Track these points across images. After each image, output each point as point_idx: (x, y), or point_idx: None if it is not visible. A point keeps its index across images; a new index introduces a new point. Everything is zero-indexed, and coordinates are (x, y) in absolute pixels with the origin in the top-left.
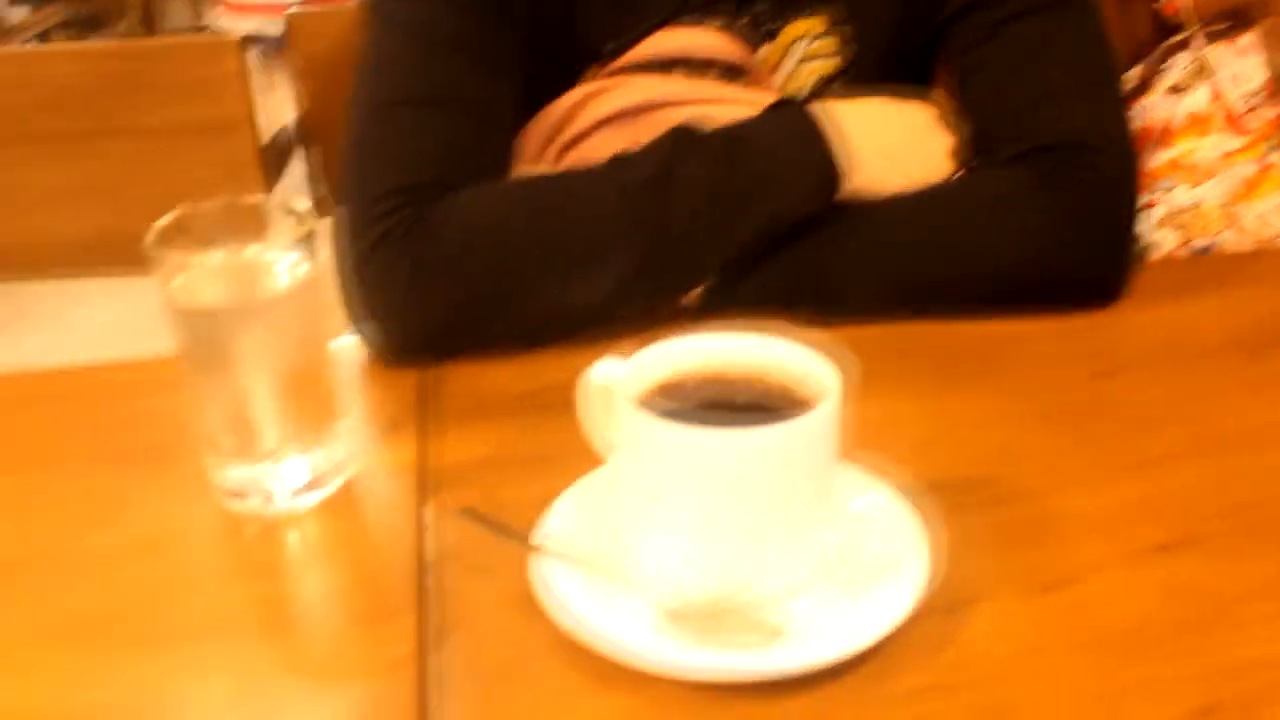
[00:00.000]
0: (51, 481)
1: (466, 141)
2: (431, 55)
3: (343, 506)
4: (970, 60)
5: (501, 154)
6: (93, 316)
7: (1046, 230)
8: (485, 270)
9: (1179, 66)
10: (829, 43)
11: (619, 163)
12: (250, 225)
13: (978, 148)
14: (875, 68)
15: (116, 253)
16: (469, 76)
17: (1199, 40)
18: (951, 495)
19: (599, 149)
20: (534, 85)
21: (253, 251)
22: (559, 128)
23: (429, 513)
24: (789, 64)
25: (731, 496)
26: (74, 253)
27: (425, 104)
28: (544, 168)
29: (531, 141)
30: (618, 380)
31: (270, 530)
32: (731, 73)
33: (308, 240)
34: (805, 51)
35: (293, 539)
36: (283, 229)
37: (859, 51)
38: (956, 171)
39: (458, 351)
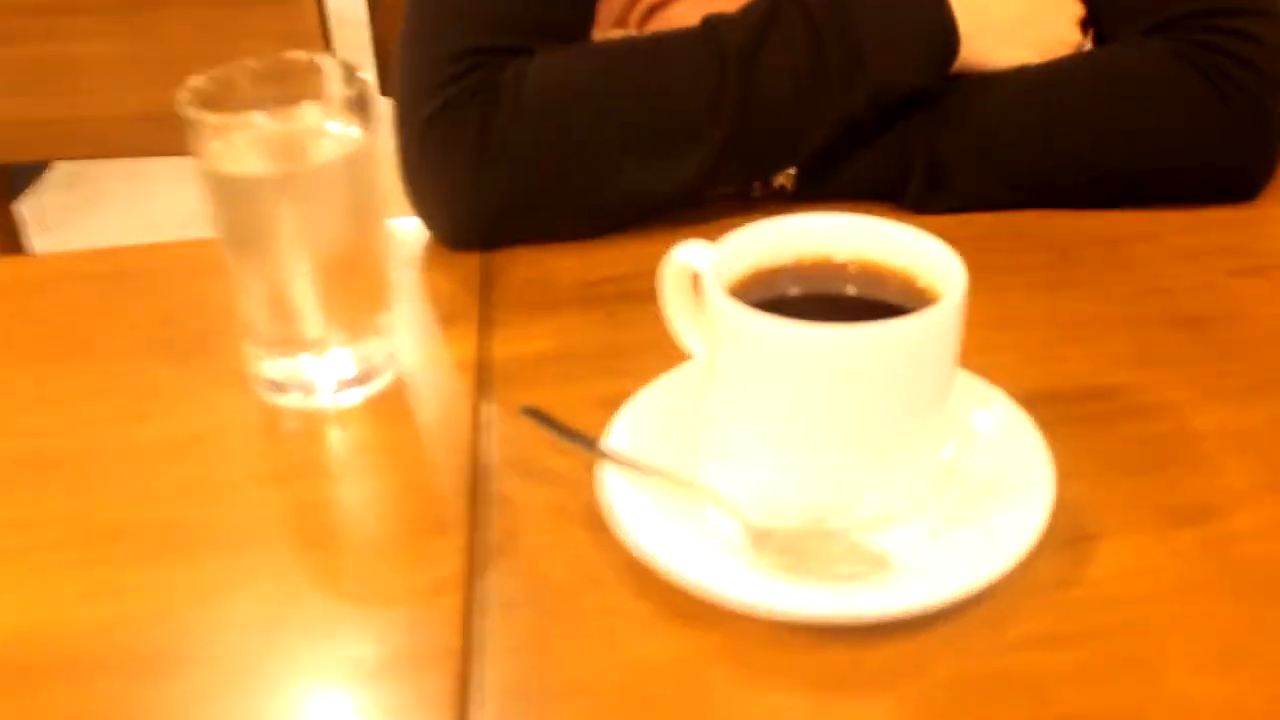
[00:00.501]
0: (87, 372)
1: (540, 1)
2: None
3: (392, 404)
4: None
5: (580, 17)
6: (170, 198)
7: (1188, 113)
8: (560, 143)
9: None
10: None
11: (710, 25)
12: (298, 86)
13: (1109, 17)
14: None
15: (178, 131)
16: None
17: None
18: (1074, 406)
19: (687, 16)
20: None
21: (299, 115)
22: None
23: (487, 413)
24: None
25: (837, 402)
26: (139, 130)
27: None
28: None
29: (611, 5)
30: (707, 265)
31: (312, 428)
32: None
33: (361, 103)
34: None
35: (336, 439)
36: (334, 90)
37: None
38: (1084, 44)
39: (525, 236)
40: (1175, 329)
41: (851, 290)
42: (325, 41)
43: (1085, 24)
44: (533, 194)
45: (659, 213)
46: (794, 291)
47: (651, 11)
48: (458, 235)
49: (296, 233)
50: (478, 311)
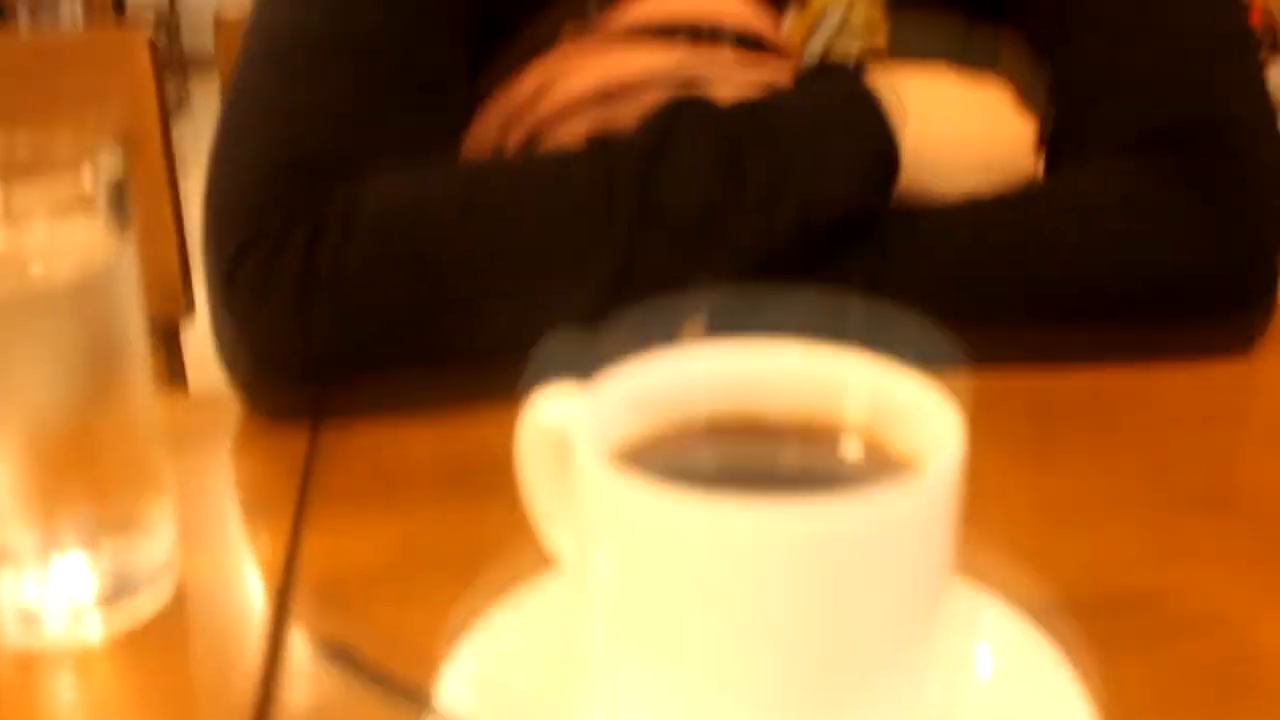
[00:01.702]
0: None
1: (389, 102)
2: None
3: (155, 635)
4: (1059, 22)
5: (438, 128)
6: None
7: (1186, 238)
8: (406, 282)
9: (1273, 71)
10: (872, 9)
11: (599, 141)
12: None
13: (1070, 131)
14: (925, 48)
15: None
16: (402, 20)
17: None
18: (1096, 620)
19: (575, 136)
20: (495, 52)
21: (23, 212)
22: (525, 107)
23: (286, 649)
24: (821, 35)
25: (771, 624)
26: None
27: (333, 48)
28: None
29: (489, 126)
30: (578, 420)
31: (36, 672)
32: (749, 45)
33: (118, 200)
34: (842, 20)
35: (68, 688)
36: (81, 178)
37: (899, 26)
38: (1038, 168)
39: (363, 400)
40: (1195, 509)
41: (790, 454)
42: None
43: (1039, 139)
44: (372, 345)
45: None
46: (706, 457)
47: (533, 134)
48: (274, 398)
49: (14, 386)
50: (294, 502)
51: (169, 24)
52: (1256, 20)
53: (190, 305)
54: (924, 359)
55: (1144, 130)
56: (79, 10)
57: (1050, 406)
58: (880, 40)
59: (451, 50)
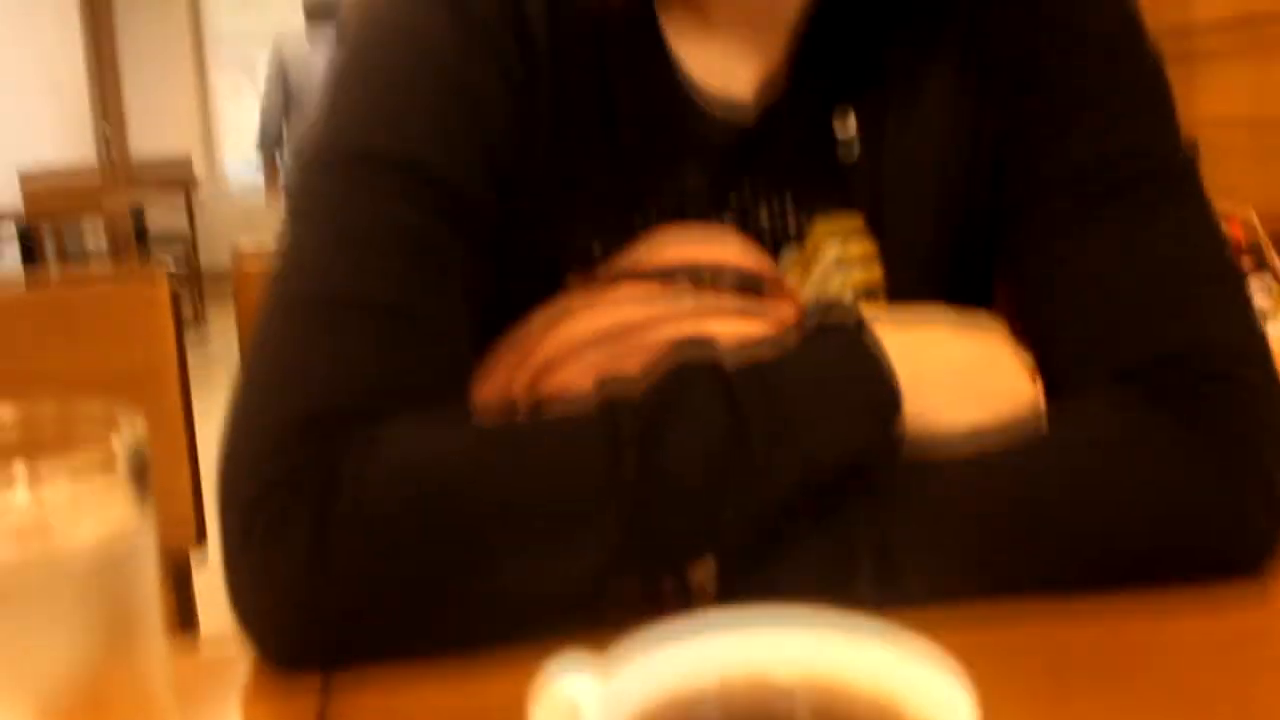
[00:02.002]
0: None
1: (404, 358)
2: (363, 248)
3: None
4: (1046, 256)
5: (451, 379)
6: None
7: (1186, 479)
8: (417, 538)
9: (1255, 290)
10: (869, 245)
11: (606, 403)
12: (51, 441)
13: (1061, 371)
14: (916, 279)
15: None
16: (413, 276)
17: (1273, 261)
18: None
19: (581, 378)
20: (501, 296)
21: (42, 480)
22: (531, 350)
23: None
24: (819, 271)
25: None
26: None
27: (344, 307)
28: (511, 399)
29: (494, 369)
30: (592, 697)
31: None
32: (748, 283)
33: (139, 469)
34: (840, 255)
35: None
36: (97, 450)
37: (892, 261)
38: (1038, 397)
39: (375, 653)
40: None
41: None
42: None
43: (1033, 379)
44: (383, 600)
45: (546, 626)
46: None
47: (539, 376)
48: (288, 651)
49: (21, 654)
50: None
51: (188, 245)
52: (1238, 233)
53: (202, 535)
54: (934, 617)
55: (1135, 363)
56: (103, 238)
57: (1065, 645)
58: (876, 273)
59: (465, 304)
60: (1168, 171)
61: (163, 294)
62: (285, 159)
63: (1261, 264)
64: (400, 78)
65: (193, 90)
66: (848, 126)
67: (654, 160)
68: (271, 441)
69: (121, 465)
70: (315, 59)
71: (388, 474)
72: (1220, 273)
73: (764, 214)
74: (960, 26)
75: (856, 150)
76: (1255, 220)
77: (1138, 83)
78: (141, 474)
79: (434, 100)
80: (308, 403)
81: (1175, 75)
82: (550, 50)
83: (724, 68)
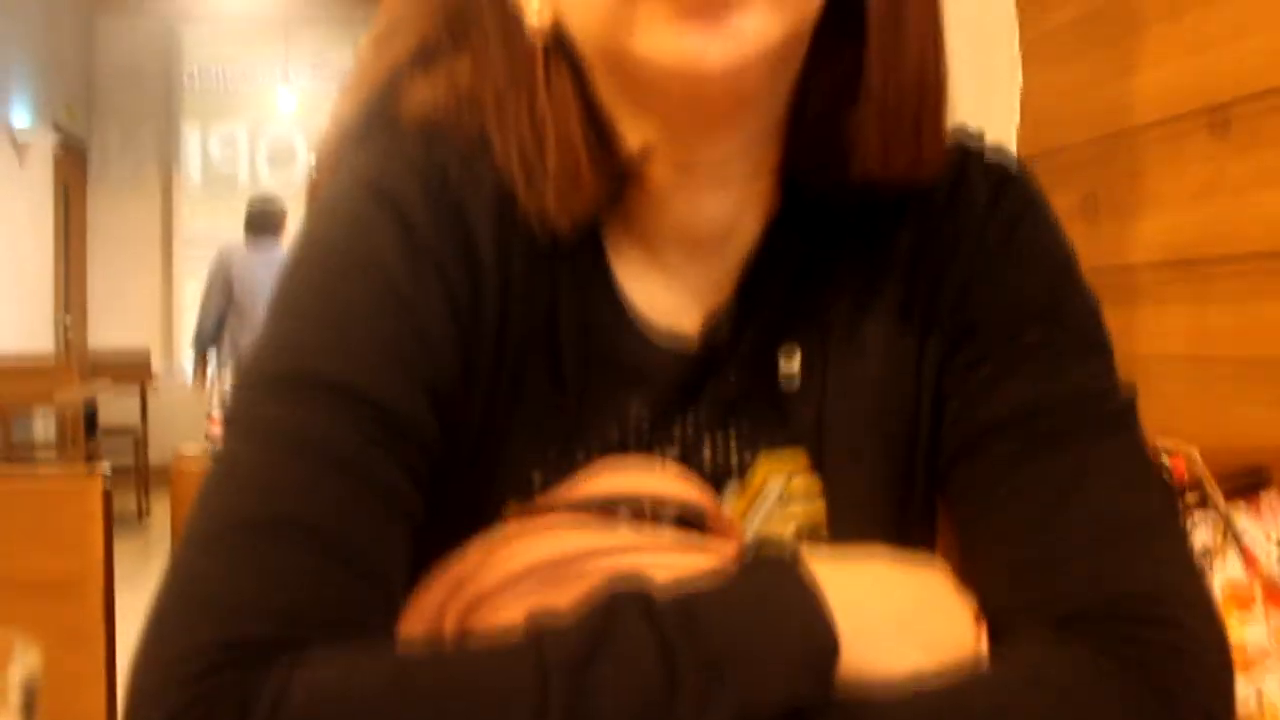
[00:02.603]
0: None
1: (328, 586)
2: (297, 470)
3: None
4: (988, 500)
5: (380, 609)
6: None
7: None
8: None
9: (1200, 529)
10: (812, 481)
11: (534, 632)
12: None
13: (1004, 614)
14: (860, 517)
15: None
16: (346, 501)
17: (1217, 499)
18: None
19: (513, 612)
20: (436, 522)
21: None
22: (463, 582)
23: None
24: (762, 507)
25: None
26: None
27: (273, 530)
28: (441, 631)
29: (426, 600)
30: None
31: None
32: (690, 517)
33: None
34: (783, 491)
35: None
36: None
37: (835, 498)
38: (980, 644)
39: None
40: None
41: None
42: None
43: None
44: None
45: None
46: None
47: (470, 610)
48: None
49: None
50: None
51: (138, 438)
52: (1181, 471)
53: None
54: None
55: (1077, 608)
56: (52, 429)
57: None
58: (819, 510)
59: (399, 531)
60: (1107, 416)
61: (97, 498)
62: (218, 360)
63: (1204, 501)
64: (345, 300)
65: (157, 286)
66: (792, 363)
67: (597, 391)
68: (181, 668)
69: (14, 697)
70: (256, 266)
71: (305, 705)
72: (1160, 518)
73: (707, 448)
74: (904, 266)
75: (799, 386)
76: (1198, 457)
77: (1077, 327)
78: (30, 706)
79: (378, 324)
80: (223, 628)
81: (1115, 314)
82: (497, 278)
83: (669, 301)
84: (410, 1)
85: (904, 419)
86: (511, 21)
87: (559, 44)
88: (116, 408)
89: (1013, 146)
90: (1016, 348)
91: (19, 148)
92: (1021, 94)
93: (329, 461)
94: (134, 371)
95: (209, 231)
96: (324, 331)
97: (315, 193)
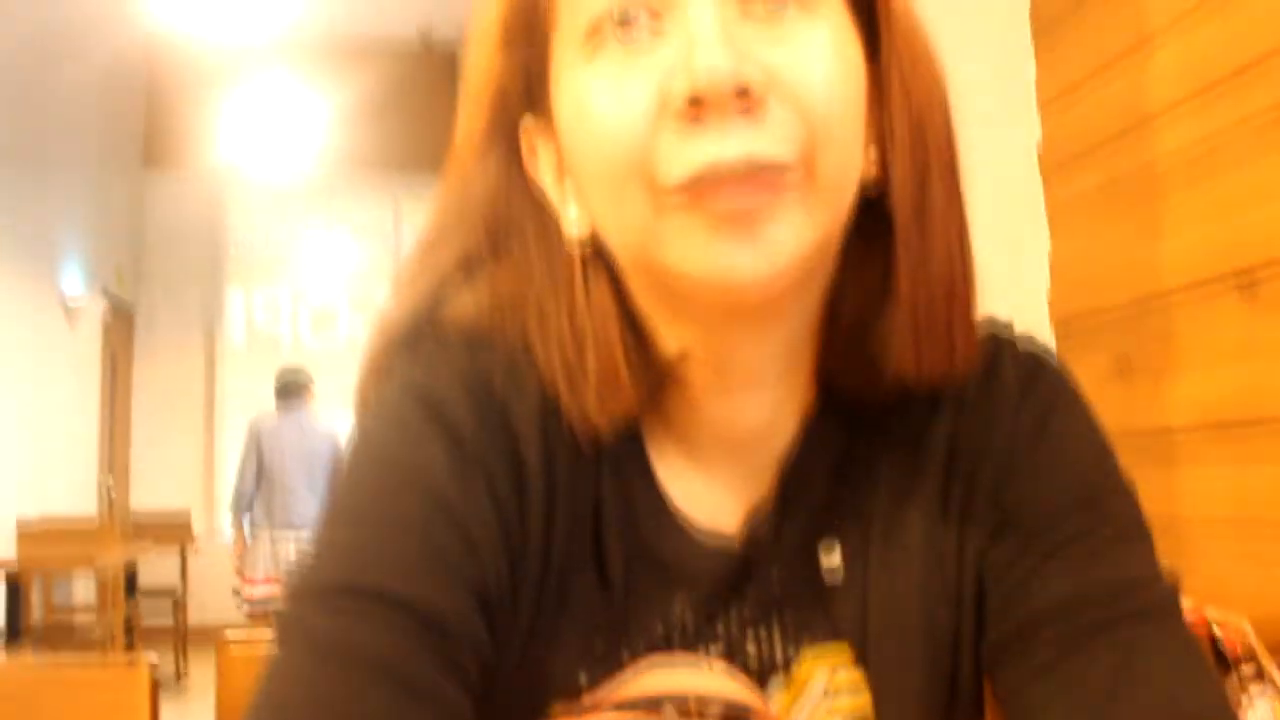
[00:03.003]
0: None
1: None
2: (345, 680)
3: None
4: (1035, 694)
5: None
6: None
7: None
8: None
9: (1259, 704)
10: (856, 673)
11: None
12: None
13: None
14: (905, 709)
15: None
16: (394, 711)
17: (1273, 672)
18: None
19: None
20: None
21: None
22: None
23: None
24: (808, 703)
25: None
26: None
27: None
28: None
29: None
30: None
31: None
32: (735, 714)
33: None
34: (828, 685)
35: None
36: None
37: (880, 690)
38: None
39: None
40: None
41: None
42: None
43: None
44: None
45: None
46: None
47: None
48: None
49: None
50: None
51: (178, 599)
52: (1234, 643)
53: None
54: None
55: None
56: (92, 590)
57: None
58: (865, 702)
59: None
60: (1150, 605)
61: (144, 690)
62: (252, 522)
63: (1260, 674)
64: (395, 512)
65: (199, 447)
66: (833, 557)
67: (642, 589)
68: None
69: None
70: (283, 431)
71: None
72: (1213, 708)
73: (751, 644)
74: (940, 459)
75: (842, 581)
76: (1249, 629)
77: (1114, 516)
78: None
79: (428, 535)
80: None
81: (1155, 476)
82: (543, 481)
83: (711, 499)
84: (454, 214)
85: (947, 611)
86: (550, 232)
87: (596, 252)
88: (157, 568)
89: (1044, 309)
90: (1055, 540)
91: (69, 313)
92: (1050, 257)
93: (378, 673)
94: (175, 533)
95: (251, 393)
96: (374, 543)
97: (365, 399)
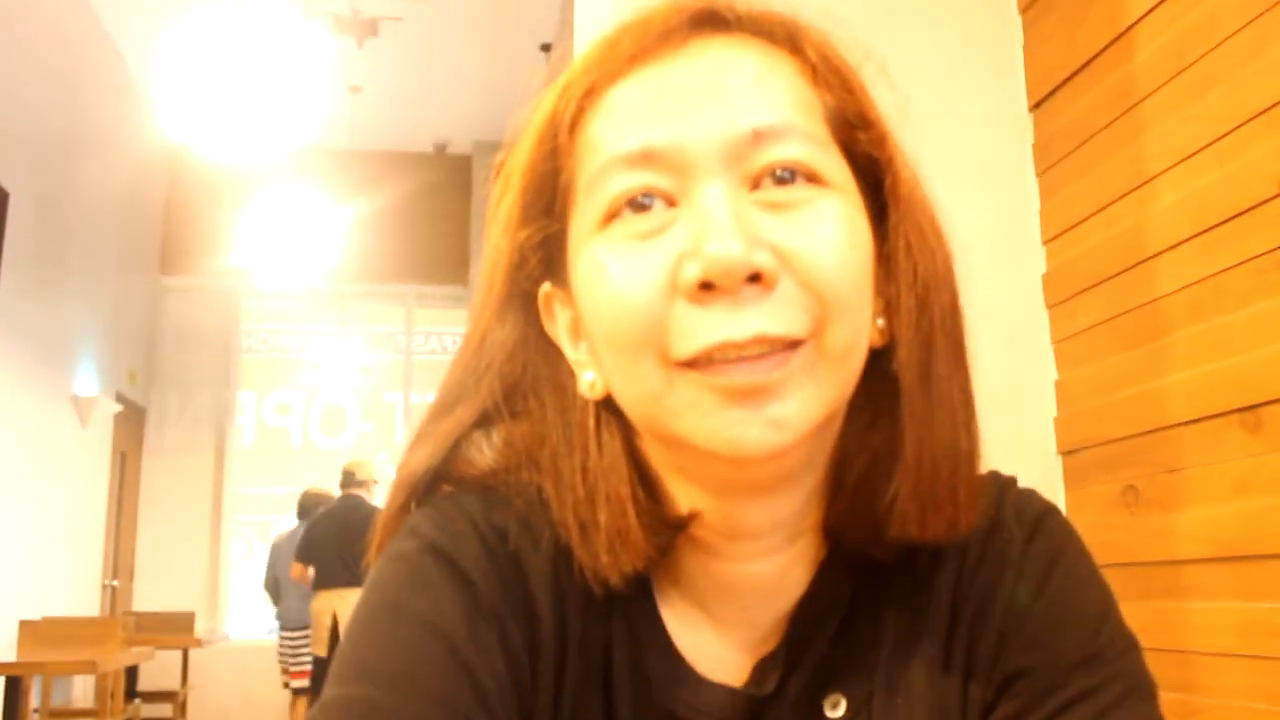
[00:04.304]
0: None
1: None
2: None
3: None
4: None
5: None
6: None
7: None
8: None
9: None
10: None
11: None
12: None
13: None
14: None
15: None
16: None
17: None
18: None
19: None
20: None
21: None
22: None
23: None
24: None
25: None
26: None
27: None
28: None
29: None
30: None
31: None
32: None
33: None
34: None
35: None
36: None
37: None
38: None
39: None
40: None
41: None
42: None
43: None
44: None
45: None
46: None
47: None
48: None
49: None
50: None
51: (177, 705)
52: None
53: None
54: None
55: None
56: (91, 692)
57: None
58: None
59: None
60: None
61: None
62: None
63: None
64: (407, 661)
65: (205, 547)
66: (837, 710)
67: None
68: None
69: None
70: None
71: None
72: None
73: None
74: (944, 611)
75: None
76: None
77: (1117, 674)
78: None
79: (438, 685)
80: None
81: (1162, 608)
82: (554, 630)
83: (718, 650)
84: (472, 370)
85: None
86: (566, 391)
87: (611, 412)
88: (159, 667)
89: (1052, 440)
90: (1061, 701)
91: (81, 412)
92: (1057, 388)
93: None
94: (178, 635)
95: (259, 494)
96: (383, 696)
97: (382, 547)
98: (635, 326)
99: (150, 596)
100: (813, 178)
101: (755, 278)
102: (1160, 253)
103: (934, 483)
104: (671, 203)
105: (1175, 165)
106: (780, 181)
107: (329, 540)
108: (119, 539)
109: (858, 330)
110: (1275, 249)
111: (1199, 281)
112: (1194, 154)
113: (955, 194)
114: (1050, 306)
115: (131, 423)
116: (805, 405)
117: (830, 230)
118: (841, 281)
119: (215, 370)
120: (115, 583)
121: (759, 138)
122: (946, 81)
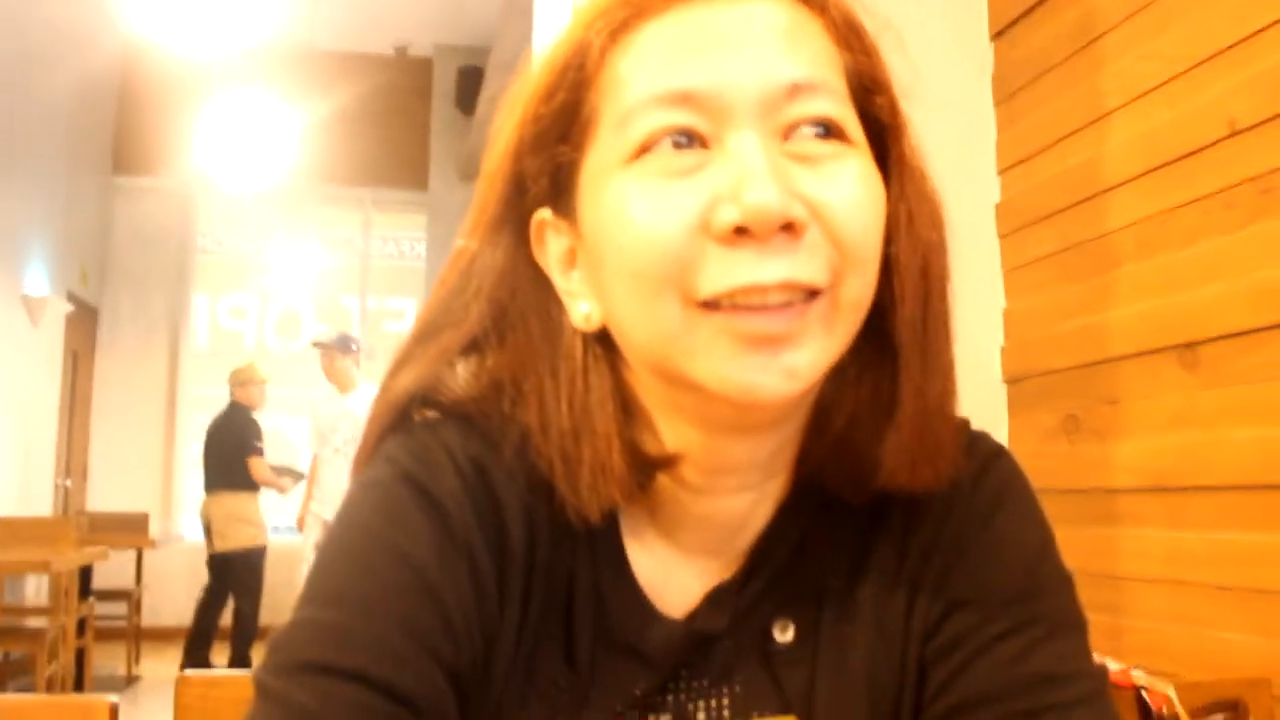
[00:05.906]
0: None
1: None
2: None
3: None
4: None
5: None
6: None
7: None
8: None
9: None
10: None
11: None
12: None
13: None
14: None
15: None
16: None
17: None
18: None
19: None
20: None
21: None
22: None
23: None
24: None
25: None
26: None
27: None
28: None
29: None
30: None
31: None
32: None
33: None
34: None
35: None
36: None
37: None
38: None
39: None
40: None
41: None
42: None
43: None
44: None
45: None
46: None
47: None
48: None
49: None
50: None
51: (132, 602)
52: (1159, 705)
53: None
54: None
55: None
56: (44, 586)
57: None
58: None
59: None
60: (1080, 696)
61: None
62: None
63: None
64: (374, 589)
65: (159, 449)
66: (786, 634)
67: (605, 669)
68: None
69: None
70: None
71: None
72: None
73: (701, 714)
74: (895, 542)
75: (793, 656)
76: (1174, 696)
77: (1050, 611)
78: None
79: (405, 612)
80: None
81: (1096, 534)
82: (524, 561)
83: (678, 579)
84: (459, 292)
85: (891, 684)
86: (555, 323)
87: (601, 344)
88: (114, 567)
89: (997, 367)
90: (993, 633)
91: (33, 315)
92: (1005, 317)
93: None
94: (132, 535)
95: (213, 396)
96: (351, 621)
97: (359, 469)
98: (661, 262)
99: (104, 497)
100: (841, 135)
101: (787, 227)
102: (1112, 188)
103: (925, 436)
104: (705, 145)
105: (1131, 102)
106: (812, 136)
107: (211, 447)
108: (71, 440)
109: (868, 284)
110: (1223, 190)
111: (1148, 218)
112: (1149, 91)
113: (912, 118)
114: (1002, 236)
115: (84, 323)
116: (817, 355)
117: (856, 187)
118: (863, 236)
119: (170, 272)
120: (69, 483)
121: (796, 90)
122: (908, 3)
